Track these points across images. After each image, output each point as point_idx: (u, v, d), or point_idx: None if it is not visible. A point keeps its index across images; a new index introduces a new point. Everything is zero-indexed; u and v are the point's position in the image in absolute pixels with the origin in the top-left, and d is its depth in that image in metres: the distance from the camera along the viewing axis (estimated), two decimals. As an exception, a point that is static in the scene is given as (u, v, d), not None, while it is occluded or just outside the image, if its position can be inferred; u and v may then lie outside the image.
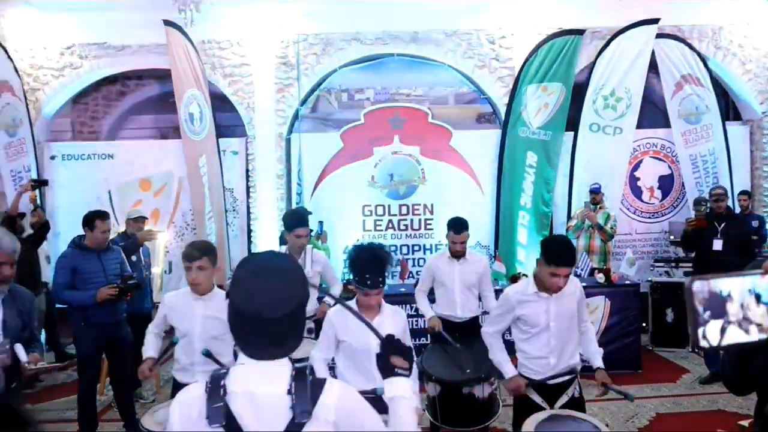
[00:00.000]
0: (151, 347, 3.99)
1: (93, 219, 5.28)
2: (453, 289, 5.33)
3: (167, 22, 7.97)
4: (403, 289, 7.25)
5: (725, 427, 5.29)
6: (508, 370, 3.86)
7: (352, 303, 3.61)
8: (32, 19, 8.80)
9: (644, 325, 7.87)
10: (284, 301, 1.68)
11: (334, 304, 3.89)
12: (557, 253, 3.62)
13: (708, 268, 6.54)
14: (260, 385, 1.67)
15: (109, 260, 5.35)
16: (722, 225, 6.76)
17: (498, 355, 3.94)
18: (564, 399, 3.76)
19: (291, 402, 1.65)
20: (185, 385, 3.82)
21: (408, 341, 3.78)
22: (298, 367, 1.72)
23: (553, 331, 3.74)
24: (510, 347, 3.97)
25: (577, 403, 3.79)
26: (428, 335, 6.05)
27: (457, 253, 5.34)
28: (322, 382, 1.72)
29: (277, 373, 1.70)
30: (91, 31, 8.86)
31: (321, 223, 8.51)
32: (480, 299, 5.51)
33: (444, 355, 4.95)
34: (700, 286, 2.00)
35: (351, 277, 3.55)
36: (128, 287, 5.24)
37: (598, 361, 3.82)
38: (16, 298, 3.66)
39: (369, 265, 3.46)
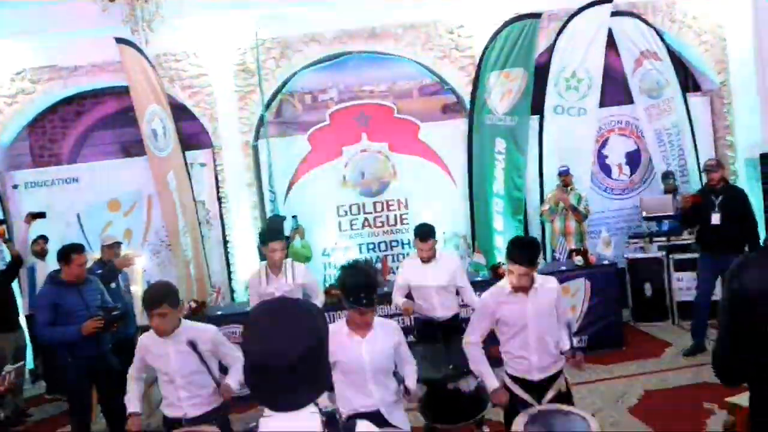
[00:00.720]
0: (134, 398, 3.98)
1: (69, 253, 5.20)
2: (429, 291, 5.38)
3: (119, 40, 7.78)
4: (386, 289, 7.24)
5: (713, 400, 5.42)
6: (490, 383, 3.91)
7: (341, 323, 3.60)
8: (-21, 47, 8.54)
9: (624, 299, 8.00)
10: (291, 348, 1.62)
11: None
12: (513, 251, 3.79)
13: (710, 243, 6.68)
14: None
15: (88, 292, 5.28)
16: (719, 198, 6.70)
17: (480, 366, 3.99)
18: (551, 394, 3.84)
19: None
20: (176, 419, 3.84)
21: (406, 352, 3.78)
22: (326, 413, 1.69)
23: (532, 330, 3.82)
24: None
25: (565, 398, 3.86)
26: (413, 333, 6.09)
27: (427, 259, 5.38)
28: (353, 426, 1.73)
29: (308, 421, 1.67)
30: (40, 55, 8.63)
31: (295, 217, 8.42)
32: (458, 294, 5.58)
33: (426, 354, 5.00)
34: None
35: (345, 298, 3.52)
36: (113, 318, 5.18)
37: (567, 345, 3.94)
38: None
39: (362, 284, 3.45)
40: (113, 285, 6.25)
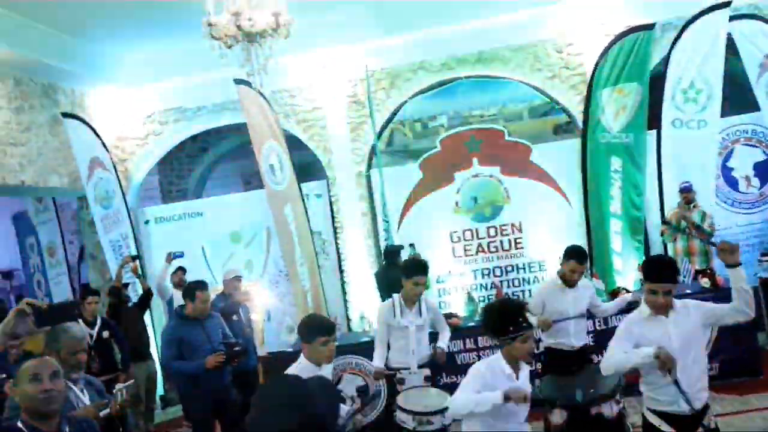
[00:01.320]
0: None
1: (193, 290, 5.50)
2: (566, 317, 5.24)
3: (238, 80, 8.17)
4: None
5: None
6: (647, 350, 3.51)
7: (496, 360, 3.59)
8: (113, 96, 9.25)
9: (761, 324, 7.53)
10: (283, 419, 1.69)
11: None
12: (651, 269, 3.68)
13: None
14: None
15: (211, 327, 5.55)
16: None
17: (626, 355, 3.61)
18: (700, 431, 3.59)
19: None
20: None
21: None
22: None
23: (678, 358, 3.53)
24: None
25: None
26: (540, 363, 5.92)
27: (573, 283, 5.25)
28: None
29: None
30: (167, 98, 9.26)
31: (412, 246, 8.43)
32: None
33: (561, 380, 4.91)
34: None
35: (501, 334, 3.53)
36: (234, 354, 5.41)
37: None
38: (93, 383, 3.98)
39: (512, 310, 3.54)
40: (235, 317, 6.53)
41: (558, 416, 4.42)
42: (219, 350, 5.37)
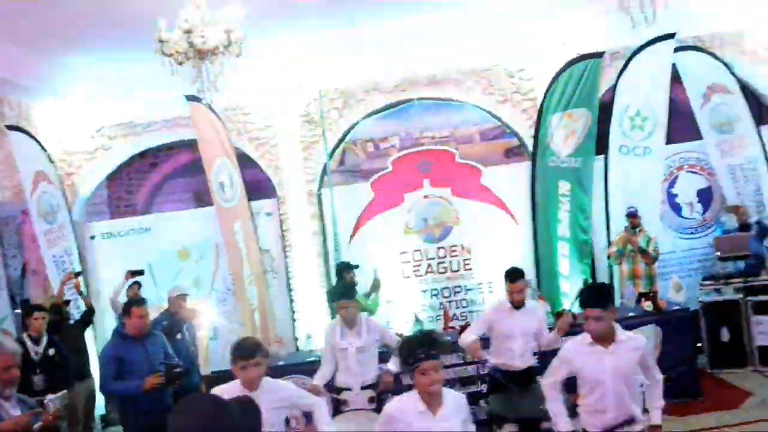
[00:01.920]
0: None
1: (129, 306, 5.37)
2: (513, 338, 5.26)
3: (189, 97, 8.10)
4: (449, 338, 7.17)
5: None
6: (563, 426, 3.80)
7: (413, 398, 3.28)
8: (60, 109, 9.06)
9: (698, 345, 7.67)
10: None
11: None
12: (584, 295, 3.83)
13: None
14: None
15: (152, 347, 5.40)
16: None
17: (555, 406, 3.90)
18: None
19: None
20: None
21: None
22: None
23: (609, 386, 3.67)
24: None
25: None
26: (486, 384, 5.96)
27: (518, 303, 5.29)
28: None
29: None
30: (117, 113, 9.10)
31: (355, 266, 8.26)
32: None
33: (509, 397, 5.00)
34: None
35: (406, 364, 3.27)
36: (174, 375, 5.28)
37: (656, 418, 3.79)
38: (25, 401, 3.85)
39: (419, 341, 3.28)
40: (179, 336, 6.42)
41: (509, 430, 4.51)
42: (159, 371, 5.23)
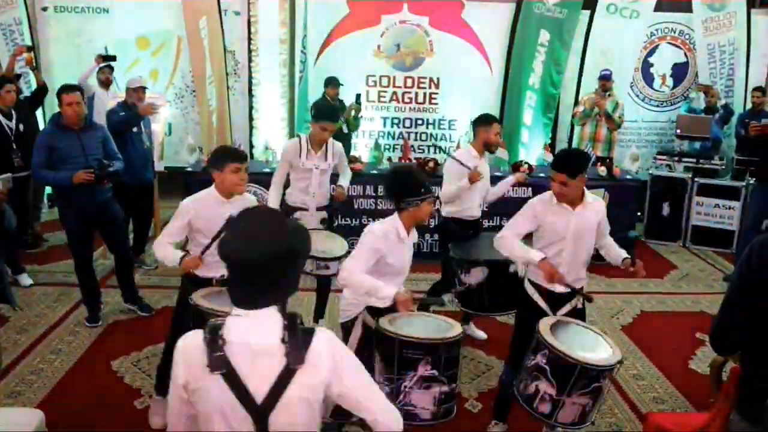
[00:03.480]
0: (173, 252, 3.81)
1: (59, 93, 5.06)
2: (479, 188, 5.20)
3: None
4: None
5: (706, 331, 5.44)
6: (535, 255, 3.78)
7: (389, 225, 3.53)
8: None
9: (639, 214, 7.96)
10: (261, 246, 1.72)
11: None
12: (555, 157, 3.87)
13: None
14: (255, 336, 1.75)
15: (89, 139, 5.13)
16: None
17: (521, 248, 3.87)
18: (567, 308, 3.82)
19: (285, 350, 1.74)
20: (206, 279, 3.88)
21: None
22: (289, 316, 1.79)
23: (569, 244, 3.75)
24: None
25: (578, 314, 3.84)
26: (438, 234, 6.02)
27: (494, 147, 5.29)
28: (312, 330, 1.81)
29: (270, 323, 1.77)
30: None
31: (358, 96, 8.11)
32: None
33: (473, 243, 5.05)
34: None
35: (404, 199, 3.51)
36: (105, 174, 5.03)
37: (624, 254, 3.89)
38: None
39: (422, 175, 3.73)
40: (135, 129, 6.23)
41: (480, 273, 4.61)
42: (92, 166, 5.07)
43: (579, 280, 3.86)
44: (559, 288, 3.79)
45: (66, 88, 5.07)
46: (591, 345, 3.36)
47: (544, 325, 3.47)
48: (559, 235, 3.77)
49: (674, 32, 8.85)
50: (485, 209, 5.61)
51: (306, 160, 5.19)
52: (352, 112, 7.96)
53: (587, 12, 8.45)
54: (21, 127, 6.29)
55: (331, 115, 5.26)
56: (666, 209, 7.91)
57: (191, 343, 1.80)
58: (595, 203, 3.83)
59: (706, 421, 2.95)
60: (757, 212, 6.65)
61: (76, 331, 5.33)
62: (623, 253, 3.89)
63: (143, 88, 6.45)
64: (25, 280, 6.12)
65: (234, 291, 1.81)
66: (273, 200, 5.23)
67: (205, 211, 3.76)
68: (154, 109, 6.31)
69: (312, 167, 5.17)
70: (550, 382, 3.28)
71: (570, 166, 3.69)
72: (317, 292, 5.35)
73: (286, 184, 5.30)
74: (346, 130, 7.90)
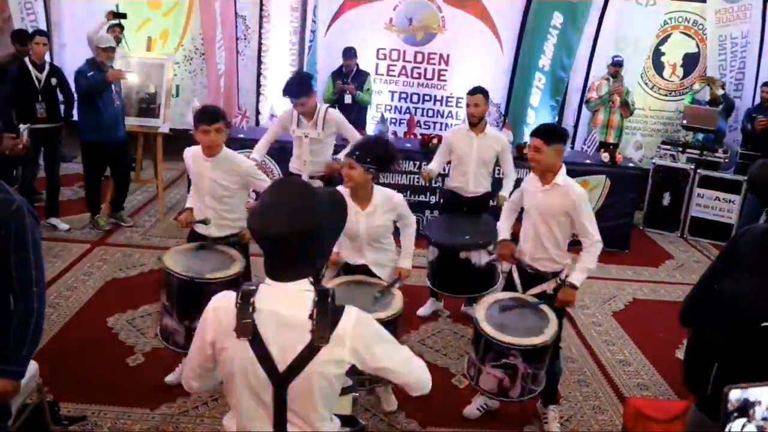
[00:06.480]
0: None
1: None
2: (468, 164, 5.27)
3: None
4: (408, 145, 7.26)
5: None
6: (502, 233, 4.12)
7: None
8: None
9: (640, 203, 7.98)
10: (282, 221, 1.75)
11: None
12: (538, 127, 3.86)
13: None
14: (285, 307, 1.80)
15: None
16: None
17: (503, 223, 4.20)
18: (536, 290, 3.89)
19: (311, 326, 1.77)
20: (200, 235, 4.04)
21: (407, 217, 3.96)
22: (320, 292, 1.82)
23: (533, 221, 3.87)
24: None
25: (548, 299, 3.85)
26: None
27: (473, 119, 5.21)
28: (341, 309, 1.83)
29: (301, 296, 1.81)
30: None
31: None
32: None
33: (448, 223, 5.18)
34: (737, 395, 2.03)
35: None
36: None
37: (575, 278, 3.81)
38: None
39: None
40: (105, 93, 6.23)
41: (431, 253, 4.81)
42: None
43: (544, 262, 3.89)
44: (527, 263, 3.93)
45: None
46: (532, 328, 3.54)
47: (489, 298, 3.84)
48: (528, 212, 3.95)
49: (687, 21, 8.79)
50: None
51: (297, 128, 5.26)
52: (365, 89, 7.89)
53: (603, -4, 8.39)
54: (53, 80, 6.43)
55: (291, 91, 5.11)
56: (667, 199, 7.93)
57: (224, 305, 1.84)
58: (569, 188, 3.75)
59: (683, 409, 3.01)
60: (757, 207, 6.67)
61: (74, 287, 5.44)
62: (577, 277, 3.81)
63: (112, 48, 6.36)
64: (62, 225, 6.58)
65: (265, 262, 1.85)
66: (256, 153, 5.37)
67: (193, 164, 4.05)
68: (122, 75, 6.32)
69: (301, 135, 5.23)
70: (474, 347, 3.64)
71: (547, 132, 3.74)
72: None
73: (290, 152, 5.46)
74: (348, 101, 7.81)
